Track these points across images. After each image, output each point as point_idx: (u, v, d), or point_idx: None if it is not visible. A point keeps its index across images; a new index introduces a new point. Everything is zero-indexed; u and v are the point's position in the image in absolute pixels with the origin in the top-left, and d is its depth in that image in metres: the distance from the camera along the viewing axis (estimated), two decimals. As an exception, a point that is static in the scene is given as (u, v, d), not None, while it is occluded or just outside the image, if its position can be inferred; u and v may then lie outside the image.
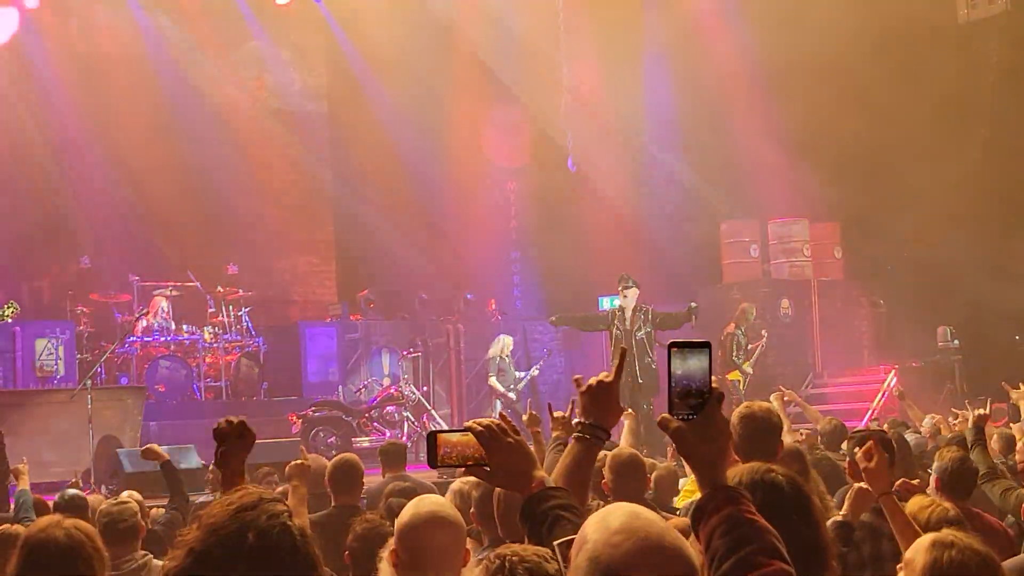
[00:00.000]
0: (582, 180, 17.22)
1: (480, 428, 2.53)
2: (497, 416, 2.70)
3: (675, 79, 17.19)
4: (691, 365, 2.23)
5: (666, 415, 2.22)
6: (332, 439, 13.80)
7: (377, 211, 17.81)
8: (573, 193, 17.48)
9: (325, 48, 18.57)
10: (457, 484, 5.24)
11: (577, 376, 2.83)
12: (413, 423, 14.99)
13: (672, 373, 2.23)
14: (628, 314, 13.41)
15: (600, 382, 2.70)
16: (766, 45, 15.59)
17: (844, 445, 6.67)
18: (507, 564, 2.58)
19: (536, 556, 2.56)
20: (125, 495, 6.04)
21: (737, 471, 2.85)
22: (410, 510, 3.34)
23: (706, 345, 2.25)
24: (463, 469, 2.65)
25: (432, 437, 2.53)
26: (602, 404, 2.70)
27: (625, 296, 13.45)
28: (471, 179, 18.22)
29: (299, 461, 5.48)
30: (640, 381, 13.08)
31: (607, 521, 1.94)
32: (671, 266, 16.70)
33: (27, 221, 15.80)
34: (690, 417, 2.21)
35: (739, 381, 14.50)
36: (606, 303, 16.62)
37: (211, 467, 8.26)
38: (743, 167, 16.71)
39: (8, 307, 10.53)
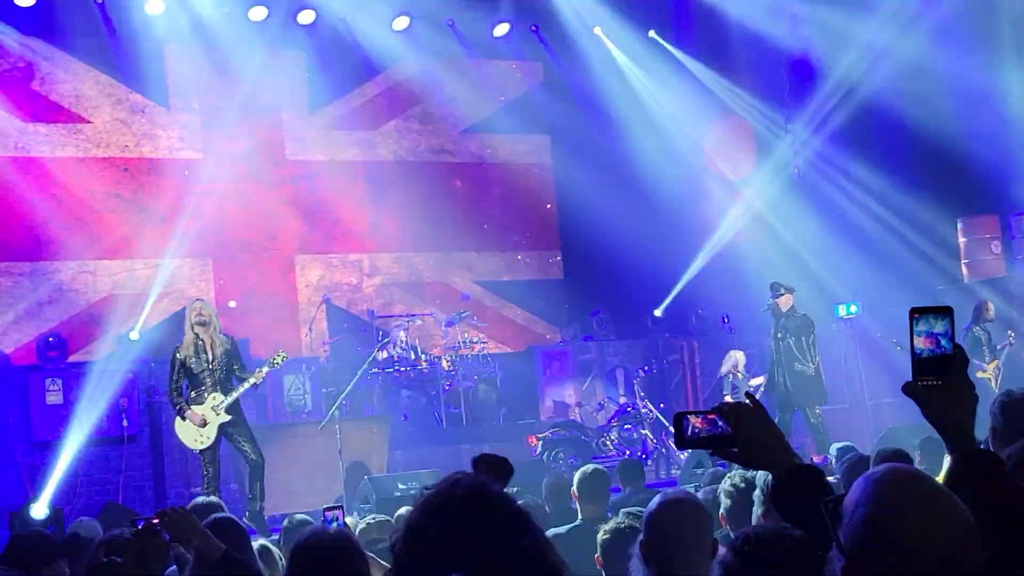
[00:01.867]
0: (804, 187, 16.84)
1: (728, 407, 2.49)
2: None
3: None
4: (935, 329, 2.18)
5: (910, 382, 2.16)
6: (572, 459, 13.85)
7: (603, 232, 17.84)
8: (797, 201, 17.12)
9: (543, 71, 18.74)
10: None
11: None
12: (652, 441, 14.93)
13: (914, 340, 2.18)
14: (781, 321, 13.15)
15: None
16: None
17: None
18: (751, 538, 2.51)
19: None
20: (380, 517, 6.24)
21: None
22: (656, 499, 3.34)
23: (948, 310, 2.19)
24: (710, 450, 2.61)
25: (679, 418, 2.51)
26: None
27: (776, 304, 13.19)
28: (697, 192, 18.06)
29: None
30: (790, 389, 12.95)
31: (883, 485, 1.88)
32: (904, 267, 16.11)
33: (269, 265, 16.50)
34: (937, 383, 2.15)
35: (989, 379, 13.88)
36: (842, 310, 16.21)
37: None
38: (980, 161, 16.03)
39: (278, 355, 11.06)
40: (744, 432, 2.44)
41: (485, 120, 18.23)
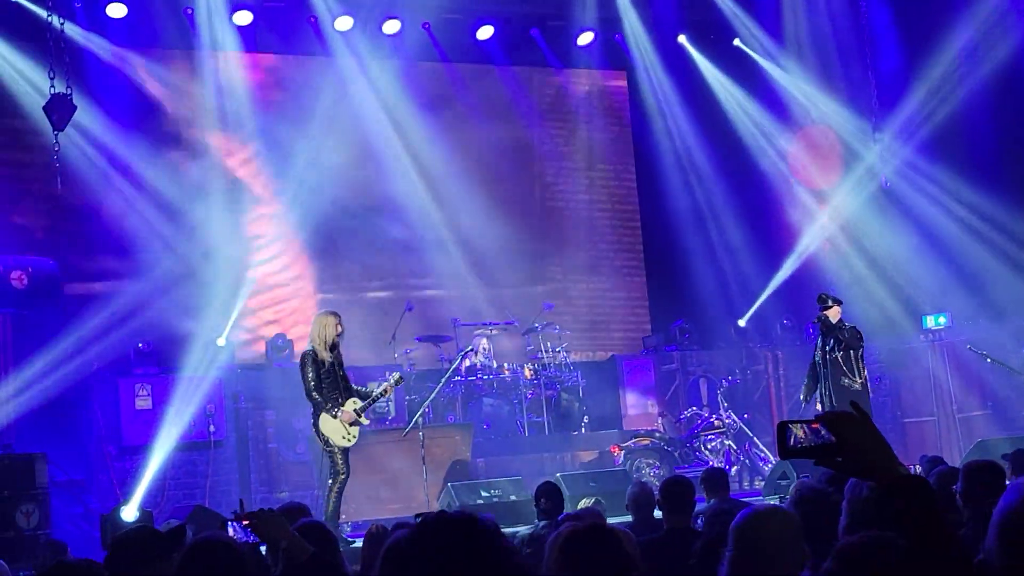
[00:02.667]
0: (893, 196, 16.59)
1: (833, 416, 2.45)
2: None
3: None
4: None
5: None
6: (656, 469, 13.79)
7: (686, 241, 17.78)
8: (885, 211, 16.88)
9: (627, 82, 18.75)
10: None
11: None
12: (735, 451, 14.81)
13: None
14: (830, 334, 12.48)
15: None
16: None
17: None
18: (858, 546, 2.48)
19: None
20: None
21: None
22: (745, 510, 3.31)
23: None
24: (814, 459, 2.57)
25: (782, 427, 2.48)
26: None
27: (826, 316, 12.53)
28: (782, 201, 17.90)
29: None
30: (835, 404, 12.25)
31: None
32: (994, 277, 15.77)
33: (353, 271, 16.65)
34: None
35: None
36: (930, 321, 15.97)
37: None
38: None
39: (393, 377, 11.33)
40: (849, 441, 2.41)
41: (570, 127, 18.30)
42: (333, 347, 10.77)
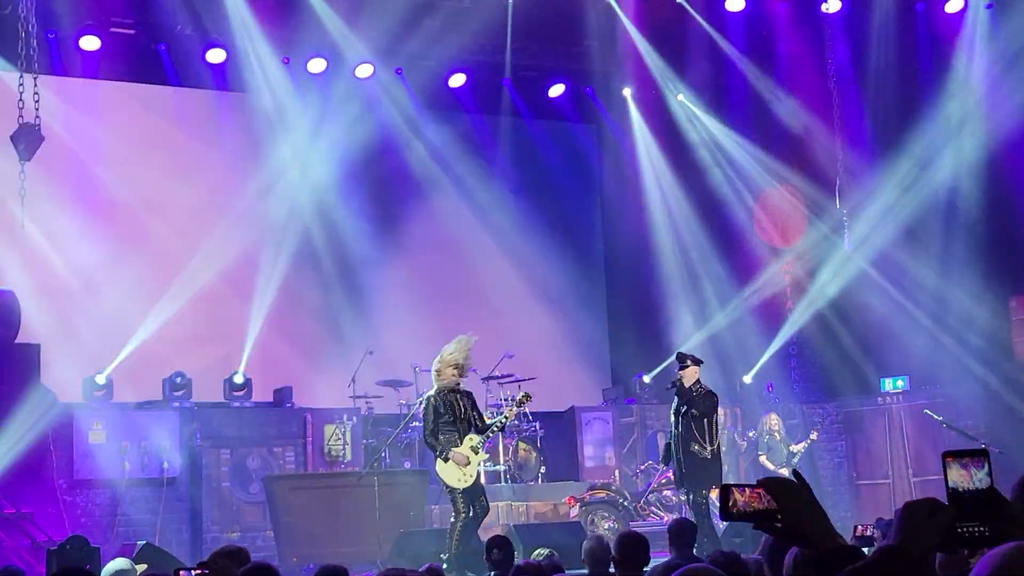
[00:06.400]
0: (854, 259, 16.72)
1: (772, 482, 2.48)
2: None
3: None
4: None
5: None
6: (610, 523, 13.77)
7: (650, 294, 17.85)
8: (849, 273, 17.00)
9: (597, 135, 18.91)
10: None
11: None
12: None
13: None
14: (684, 396, 11.76)
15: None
16: None
17: None
18: None
19: None
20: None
21: None
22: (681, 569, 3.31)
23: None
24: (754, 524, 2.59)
25: (725, 489, 2.50)
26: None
27: (681, 377, 11.88)
28: (746, 261, 18.00)
29: None
30: (684, 470, 11.62)
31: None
32: (954, 343, 15.89)
33: (311, 312, 16.60)
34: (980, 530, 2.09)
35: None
36: (888, 384, 16.10)
37: None
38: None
39: (522, 395, 11.58)
40: (787, 508, 2.43)
41: (537, 179, 18.41)
42: (457, 384, 11.02)
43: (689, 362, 11.87)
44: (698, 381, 11.81)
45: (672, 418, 11.88)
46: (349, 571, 5.40)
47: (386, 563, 11.86)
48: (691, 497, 11.68)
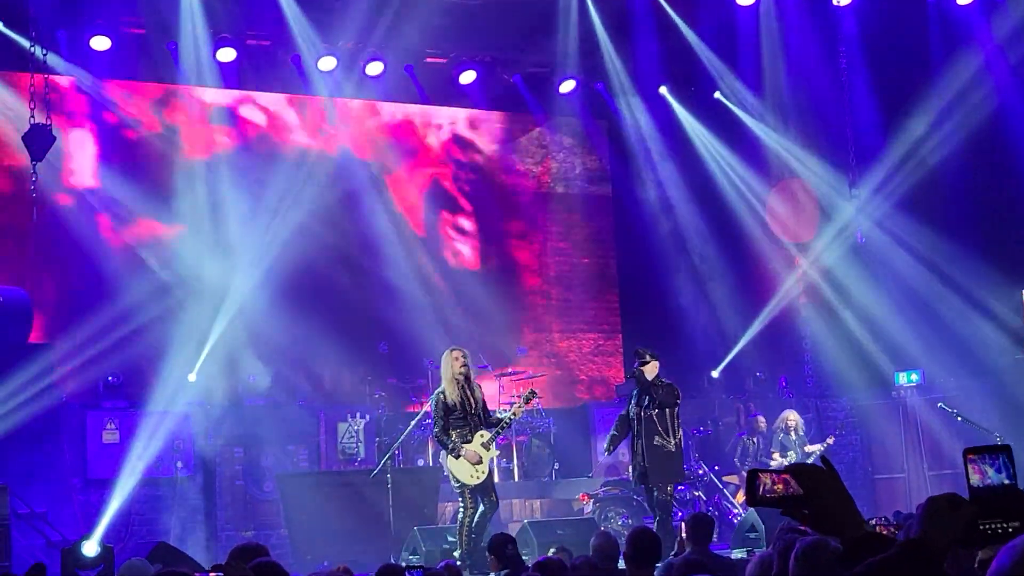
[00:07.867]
0: (868, 252, 16.68)
1: (802, 469, 2.46)
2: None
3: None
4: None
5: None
6: (625, 519, 13.74)
7: (662, 289, 17.82)
8: (860, 266, 16.96)
9: (607, 131, 18.88)
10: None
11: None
12: (705, 502, 14.77)
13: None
14: (645, 391, 11.75)
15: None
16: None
17: None
18: None
19: None
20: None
21: None
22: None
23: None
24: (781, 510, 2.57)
25: (752, 475, 2.49)
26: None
27: (642, 372, 11.84)
28: (757, 254, 17.96)
29: None
30: (646, 464, 11.50)
31: None
32: (968, 336, 15.83)
33: (328, 310, 16.58)
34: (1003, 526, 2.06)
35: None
36: (902, 378, 16.04)
37: None
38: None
39: (531, 392, 11.45)
40: (814, 495, 2.43)
41: (548, 174, 18.39)
42: (467, 380, 10.99)
43: (648, 357, 11.89)
44: (658, 375, 11.84)
45: (632, 411, 11.79)
46: (363, 569, 5.38)
47: (399, 561, 11.86)
48: (655, 495, 11.51)
